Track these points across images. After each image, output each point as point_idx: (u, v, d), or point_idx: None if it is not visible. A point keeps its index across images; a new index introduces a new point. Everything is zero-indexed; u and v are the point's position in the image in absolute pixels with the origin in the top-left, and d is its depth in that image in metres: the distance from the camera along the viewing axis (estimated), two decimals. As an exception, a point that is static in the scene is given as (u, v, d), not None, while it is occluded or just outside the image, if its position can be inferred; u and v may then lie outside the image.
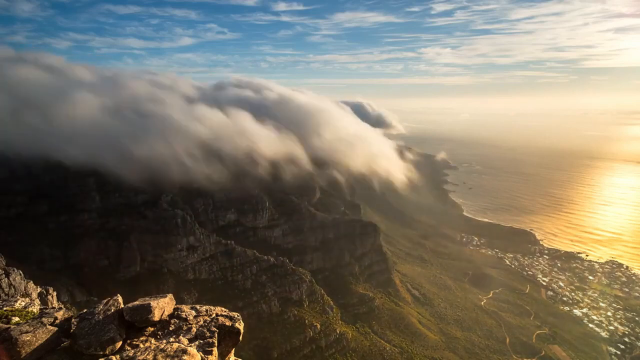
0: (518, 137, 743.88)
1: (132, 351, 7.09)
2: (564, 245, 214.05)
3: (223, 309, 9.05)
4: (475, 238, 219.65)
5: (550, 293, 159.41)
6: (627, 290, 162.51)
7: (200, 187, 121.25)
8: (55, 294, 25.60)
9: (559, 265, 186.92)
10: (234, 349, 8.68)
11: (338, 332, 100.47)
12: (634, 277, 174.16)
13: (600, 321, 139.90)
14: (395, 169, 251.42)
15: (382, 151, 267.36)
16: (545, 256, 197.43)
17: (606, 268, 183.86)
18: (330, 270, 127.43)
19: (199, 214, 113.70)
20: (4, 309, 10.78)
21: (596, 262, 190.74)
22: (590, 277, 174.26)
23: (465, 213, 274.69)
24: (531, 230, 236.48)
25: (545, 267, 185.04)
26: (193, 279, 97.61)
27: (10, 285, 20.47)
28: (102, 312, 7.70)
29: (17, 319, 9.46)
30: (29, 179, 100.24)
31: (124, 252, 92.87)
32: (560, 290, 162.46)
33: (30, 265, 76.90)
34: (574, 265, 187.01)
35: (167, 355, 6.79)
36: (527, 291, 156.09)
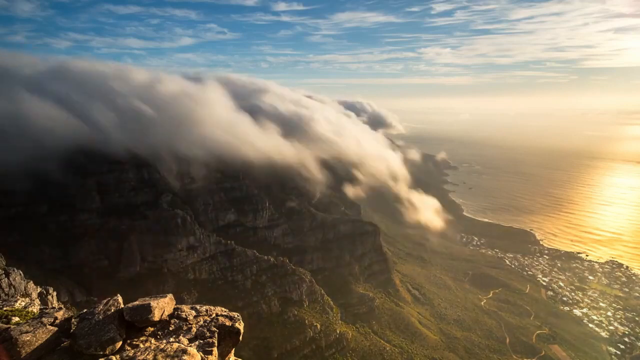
0: (518, 137, 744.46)
1: (132, 351, 7.09)
2: (564, 245, 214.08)
3: (223, 309, 9.06)
4: (475, 238, 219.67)
5: (550, 293, 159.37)
6: (627, 290, 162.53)
7: (200, 187, 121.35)
8: (55, 294, 25.63)
9: (559, 265, 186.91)
10: (234, 349, 8.68)
11: (338, 332, 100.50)
12: (634, 277, 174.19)
13: (600, 321, 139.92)
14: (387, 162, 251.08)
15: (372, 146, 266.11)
16: (545, 256, 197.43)
17: (606, 268, 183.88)
18: (330, 270, 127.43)
19: (199, 214, 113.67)
20: (4, 309, 10.79)
21: (596, 262, 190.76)
22: (590, 277, 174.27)
23: (465, 213, 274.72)
24: (531, 230, 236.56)
25: (545, 267, 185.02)
26: (193, 279, 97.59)
27: (10, 285, 20.49)
28: (102, 312, 7.70)
29: (17, 319, 9.46)
30: (29, 179, 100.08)
31: (124, 252, 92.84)
32: (560, 290, 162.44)
33: (30, 265, 76.89)
34: (574, 265, 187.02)
35: (167, 355, 6.79)
36: (527, 291, 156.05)
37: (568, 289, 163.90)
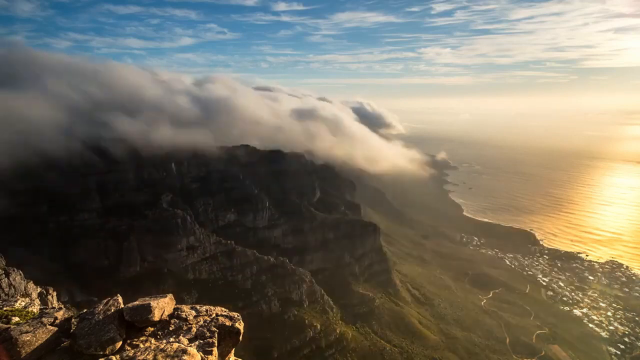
0: (518, 137, 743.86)
1: (132, 351, 7.09)
2: (564, 245, 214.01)
3: (223, 309, 9.05)
4: (475, 238, 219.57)
5: (550, 293, 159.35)
6: (627, 290, 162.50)
7: (200, 187, 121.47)
8: (55, 294, 25.62)
9: (559, 265, 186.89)
10: (234, 349, 8.68)
11: (338, 332, 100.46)
12: (634, 277, 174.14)
13: (600, 321, 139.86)
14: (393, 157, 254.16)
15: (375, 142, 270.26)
16: (545, 256, 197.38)
17: (606, 268, 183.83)
18: (330, 270, 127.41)
19: (199, 214, 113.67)
20: (4, 309, 10.80)
21: (596, 262, 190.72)
22: (590, 277, 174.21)
23: (465, 213, 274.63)
24: (531, 230, 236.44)
25: (545, 267, 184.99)
26: (193, 279, 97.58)
27: (10, 285, 20.48)
28: (102, 312, 7.70)
29: (17, 319, 9.46)
30: (29, 179, 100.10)
31: (124, 252, 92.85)
32: (560, 290, 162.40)
33: (30, 265, 76.87)
34: (574, 265, 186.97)
35: (167, 355, 6.79)
36: (527, 291, 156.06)
37: (568, 289, 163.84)
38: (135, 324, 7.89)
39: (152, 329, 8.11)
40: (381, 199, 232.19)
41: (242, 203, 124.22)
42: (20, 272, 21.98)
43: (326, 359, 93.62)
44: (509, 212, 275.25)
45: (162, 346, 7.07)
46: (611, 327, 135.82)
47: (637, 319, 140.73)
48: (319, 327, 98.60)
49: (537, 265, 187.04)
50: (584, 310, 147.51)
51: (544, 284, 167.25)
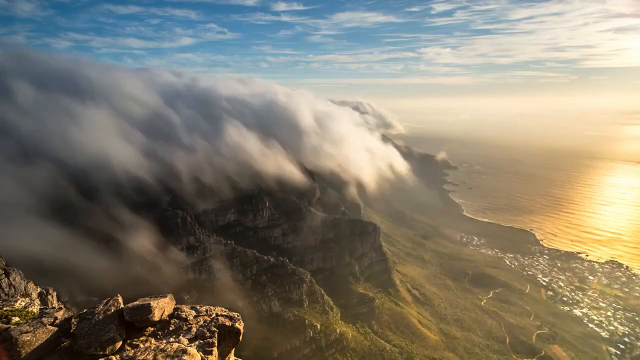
0: (518, 137, 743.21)
1: (132, 351, 7.09)
2: (564, 245, 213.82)
3: (223, 308, 9.06)
4: (475, 238, 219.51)
5: (550, 293, 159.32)
6: (627, 290, 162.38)
7: (199, 187, 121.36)
8: (55, 294, 25.58)
9: (559, 265, 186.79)
10: (234, 349, 8.68)
11: (338, 332, 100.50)
12: (634, 277, 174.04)
13: (600, 321, 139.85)
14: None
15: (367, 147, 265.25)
16: (545, 256, 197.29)
17: (606, 268, 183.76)
18: (330, 270, 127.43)
19: (199, 213, 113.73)
20: (4, 309, 10.81)
21: (596, 262, 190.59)
22: (590, 277, 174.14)
23: (465, 213, 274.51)
24: (531, 230, 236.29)
25: (545, 267, 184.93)
26: (193, 279, 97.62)
27: (10, 285, 20.46)
28: (102, 312, 7.70)
29: (17, 319, 9.47)
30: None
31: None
32: (560, 290, 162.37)
33: (30, 264, 76.78)
34: (574, 265, 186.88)
35: (167, 355, 6.79)
36: (527, 291, 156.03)
37: (568, 289, 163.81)
38: (135, 324, 7.90)
39: (152, 329, 8.12)
40: (381, 199, 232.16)
41: (242, 203, 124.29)
42: (21, 272, 21.96)
43: (326, 359, 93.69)
44: (509, 212, 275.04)
45: (162, 346, 7.07)
46: (611, 327, 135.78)
47: (637, 319, 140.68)
48: (319, 327, 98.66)
49: (537, 265, 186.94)
50: (584, 310, 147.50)
51: (544, 284, 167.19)
